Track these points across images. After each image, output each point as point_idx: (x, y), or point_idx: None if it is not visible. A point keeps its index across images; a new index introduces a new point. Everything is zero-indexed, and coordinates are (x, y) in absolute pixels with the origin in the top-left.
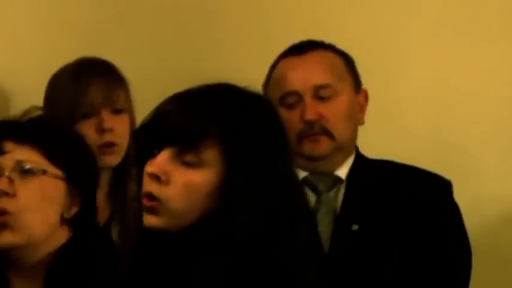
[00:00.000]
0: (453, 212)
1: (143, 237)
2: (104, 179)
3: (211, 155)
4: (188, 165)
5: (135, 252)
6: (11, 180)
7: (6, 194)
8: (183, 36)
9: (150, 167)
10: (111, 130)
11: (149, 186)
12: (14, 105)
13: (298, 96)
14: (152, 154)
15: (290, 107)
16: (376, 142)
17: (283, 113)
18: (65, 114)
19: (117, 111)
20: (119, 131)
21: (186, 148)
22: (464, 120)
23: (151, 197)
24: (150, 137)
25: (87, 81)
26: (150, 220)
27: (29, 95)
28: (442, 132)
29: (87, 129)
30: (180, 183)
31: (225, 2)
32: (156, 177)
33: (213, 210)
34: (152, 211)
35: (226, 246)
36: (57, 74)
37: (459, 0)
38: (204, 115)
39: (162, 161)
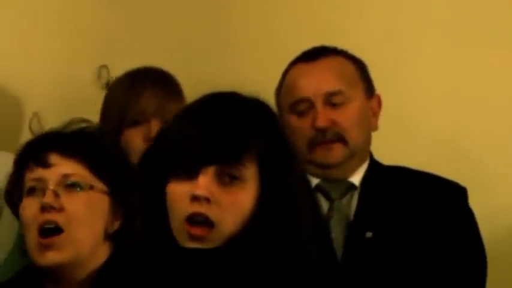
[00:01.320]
0: (468, 218)
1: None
2: None
3: (251, 170)
4: (231, 184)
5: (168, 266)
6: (56, 194)
7: (52, 207)
8: (194, 41)
9: (198, 190)
10: None
11: (196, 207)
12: (26, 111)
13: (310, 103)
14: (166, 177)
15: (301, 114)
16: (390, 149)
17: (295, 120)
18: (116, 119)
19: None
20: None
21: (229, 166)
22: (478, 127)
23: (199, 220)
24: (179, 158)
25: (142, 88)
26: (196, 244)
27: (40, 100)
28: (456, 139)
29: (135, 137)
30: (228, 204)
31: (237, 7)
32: (205, 200)
33: (252, 222)
34: (199, 239)
35: (268, 256)
36: (115, 80)
37: (473, 6)
38: (244, 130)
39: (207, 182)
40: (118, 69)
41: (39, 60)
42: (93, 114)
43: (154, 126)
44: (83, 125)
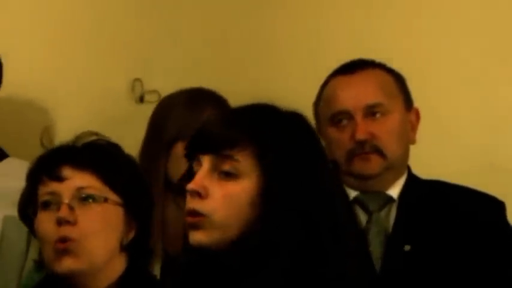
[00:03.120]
0: (507, 232)
1: (188, 256)
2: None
3: (247, 164)
4: (226, 177)
5: (181, 271)
6: (71, 208)
7: (67, 222)
8: (229, 56)
9: (190, 184)
10: None
11: (191, 203)
12: (57, 124)
13: (349, 115)
14: (194, 174)
15: (341, 126)
16: (426, 160)
17: (334, 132)
18: (173, 133)
19: None
20: None
21: (221, 157)
22: None
23: (194, 213)
24: (189, 153)
25: (204, 106)
26: (195, 236)
27: (73, 113)
28: (493, 150)
29: None
30: (219, 196)
31: (274, 21)
32: (196, 194)
33: (254, 221)
34: (196, 226)
35: (271, 254)
36: (169, 98)
37: (508, 15)
38: (235, 123)
39: (200, 176)
40: (152, 83)
41: (73, 73)
42: (127, 127)
43: None
44: (93, 137)
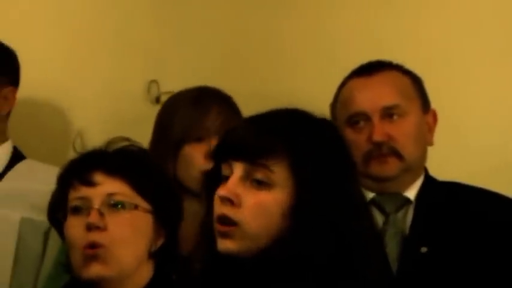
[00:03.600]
0: None
1: (215, 263)
2: (197, 210)
3: (280, 173)
4: (258, 185)
5: (207, 278)
6: (101, 214)
7: (97, 227)
8: (245, 56)
9: (222, 191)
10: None
11: (222, 209)
12: (75, 126)
13: (366, 117)
14: (222, 178)
15: (357, 127)
16: (442, 160)
17: (350, 133)
18: (179, 134)
19: None
20: None
21: (255, 165)
22: None
23: (224, 220)
24: (219, 156)
25: (209, 106)
26: (224, 244)
27: (90, 115)
28: (510, 152)
29: (197, 153)
30: (251, 204)
31: (290, 22)
32: (228, 200)
33: (285, 232)
34: (227, 235)
35: (302, 267)
36: (175, 97)
37: None
38: (271, 132)
39: (232, 183)
40: (168, 84)
41: (90, 75)
42: (143, 129)
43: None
44: (124, 143)
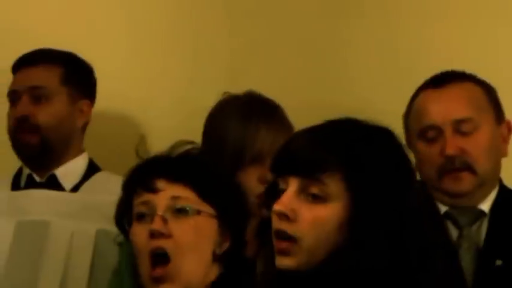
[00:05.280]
0: None
1: (276, 276)
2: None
3: (335, 187)
4: (314, 199)
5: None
6: (164, 220)
7: (161, 234)
8: (315, 68)
9: (278, 206)
10: None
11: (279, 224)
12: (147, 135)
13: (439, 130)
14: (279, 191)
15: (430, 140)
16: None
17: (423, 146)
18: (231, 159)
19: None
20: None
21: (309, 180)
22: None
23: (282, 236)
24: (276, 171)
25: (257, 127)
26: (283, 261)
27: (163, 125)
28: None
29: (250, 177)
30: (307, 219)
31: (357, 33)
32: (284, 216)
33: (342, 245)
34: (285, 253)
35: (360, 279)
36: (224, 107)
37: None
38: (324, 145)
39: (288, 198)
40: None
41: (162, 88)
42: None
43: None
44: (188, 147)
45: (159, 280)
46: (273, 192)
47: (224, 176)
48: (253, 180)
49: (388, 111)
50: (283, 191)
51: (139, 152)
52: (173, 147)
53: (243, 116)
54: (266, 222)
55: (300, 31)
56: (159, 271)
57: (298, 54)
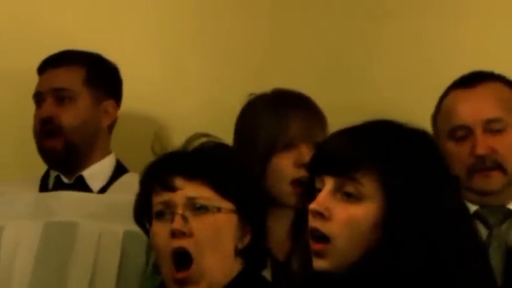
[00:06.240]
0: None
1: (309, 277)
2: (288, 214)
3: (369, 187)
4: (348, 198)
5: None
6: (184, 219)
7: (182, 233)
8: (342, 69)
9: (313, 204)
10: None
11: (313, 222)
12: (171, 137)
13: (469, 130)
14: (316, 191)
15: (460, 140)
16: None
17: (453, 146)
18: (265, 146)
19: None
20: None
21: (345, 179)
22: None
23: (316, 235)
24: (312, 170)
25: (292, 114)
26: (318, 263)
27: (190, 127)
28: None
29: (286, 162)
30: (342, 218)
31: (387, 33)
32: (318, 214)
33: (375, 246)
34: (320, 255)
35: (393, 282)
36: (254, 104)
37: None
38: (359, 145)
39: (323, 197)
40: None
41: (189, 89)
42: None
43: (304, 151)
44: (203, 139)
45: (183, 283)
46: (310, 192)
47: (240, 169)
48: (288, 165)
49: (413, 112)
50: (319, 190)
51: (155, 149)
52: (189, 140)
53: (274, 106)
54: (300, 221)
55: (326, 32)
56: (182, 274)
57: (324, 55)
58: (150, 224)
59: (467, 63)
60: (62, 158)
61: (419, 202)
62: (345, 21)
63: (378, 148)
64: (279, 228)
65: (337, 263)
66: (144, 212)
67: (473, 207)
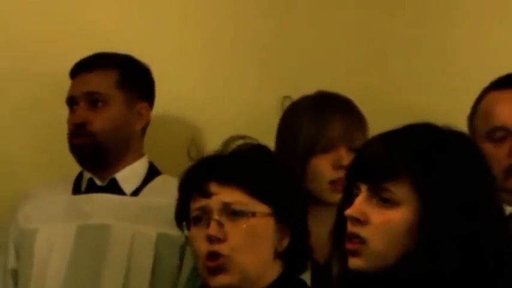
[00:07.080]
0: None
1: (348, 279)
2: (331, 215)
3: (404, 192)
4: (384, 203)
5: None
6: (220, 224)
7: (218, 239)
8: (378, 71)
9: (349, 210)
10: None
11: (351, 228)
12: (207, 140)
13: (506, 131)
14: (353, 196)
15: (497, 142)
16: None
17: (490, 147)
18: (304, 148)
19: (353, 150)
20: None
21: (379, 185)
22: None
23: (353, 238)
24: (349, 177)
25: (331, 116)
26: (354, 262)
27: (222, 130)
28: None
29: (325, 165)
30: (378, 222)
31: (418, 32)
32: (355, 220)
33: (412, 249)
34: (355, 253)
35: (431, 285)
36: (296, 105)
37: None
38: (394, 153)
39: (359, 202)
40: None
41: (222, 92)
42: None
43: (344, 153)
44: (240, 142)
45: (214, 271)
46: (348, 196)
47: (278, 171)
48: (327, 166)
49: (444, 113)
50: (356, 195)
51: (191, 153)
52: (225, 143)
53: (314, 108)
54: (340, 226)
55: (365, 34)
56: (216, 262)
57: (360, 57)
58: (189, 229)
59: (497, 65)
60: (92, 155)
61: (455, 205)
62: (382, 24)
63: (413, 152)
64: (321, 229)
65: (372, 263)
66: (183, 217)
67: (510, 209)
